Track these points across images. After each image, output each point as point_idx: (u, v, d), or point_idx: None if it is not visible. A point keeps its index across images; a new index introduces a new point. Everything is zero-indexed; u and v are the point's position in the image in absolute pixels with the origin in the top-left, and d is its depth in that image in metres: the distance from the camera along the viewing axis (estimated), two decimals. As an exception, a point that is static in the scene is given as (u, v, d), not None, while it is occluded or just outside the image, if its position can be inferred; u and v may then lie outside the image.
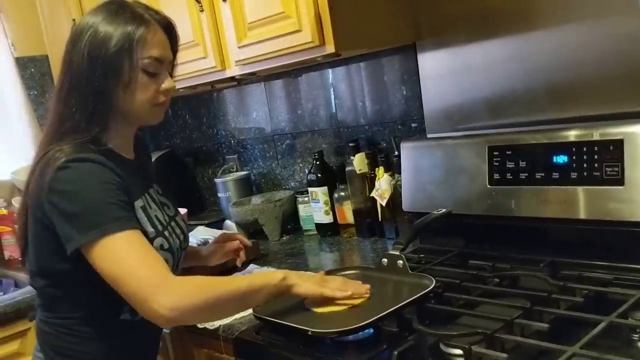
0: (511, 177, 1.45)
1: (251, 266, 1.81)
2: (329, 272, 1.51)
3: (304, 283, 1.22)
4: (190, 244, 1.75)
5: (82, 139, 1.17)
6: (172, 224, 1.32)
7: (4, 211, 2.54)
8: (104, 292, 1.15)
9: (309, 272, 1.33)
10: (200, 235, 2.10)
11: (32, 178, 1.20)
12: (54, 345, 1.26)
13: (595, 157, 1.32)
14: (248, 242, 1.64)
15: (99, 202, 1.12)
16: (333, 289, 1.24)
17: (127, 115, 1.24)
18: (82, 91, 1.18)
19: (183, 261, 1.39)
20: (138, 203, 1.22)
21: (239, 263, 1.62)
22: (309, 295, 1.24)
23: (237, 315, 1.44)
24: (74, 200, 1.12)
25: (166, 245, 1.24)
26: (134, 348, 1.29)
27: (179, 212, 1.41)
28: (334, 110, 2.14)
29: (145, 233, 1.18)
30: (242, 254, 1.61)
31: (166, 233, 1.26)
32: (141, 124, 1.32)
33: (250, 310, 1.35)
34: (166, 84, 1.24)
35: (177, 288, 1.10)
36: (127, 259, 1.10)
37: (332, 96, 2.13)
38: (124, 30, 1.17)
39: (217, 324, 1.44)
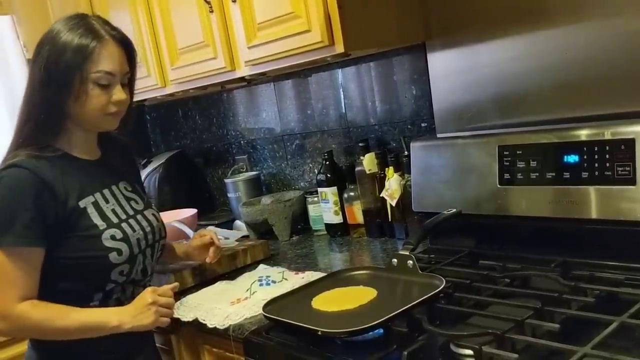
0: (522, 176, 1.44)
1: (260, 266, 1.81)
2: (336, 273, 1.51)
3: (136, 322, 1.29)
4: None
5: (36, 145, 1.29)
6: (138, 217, 1.42)
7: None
8: (67, 283, 1.31)
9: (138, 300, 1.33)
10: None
11: None
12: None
13: (607, 156, 1.31)
14: (217, 242, 1.64)
15: (4, 211, 1.23)
16: (156, 313, 1.30)
17: (80, 123, 1.34)
18: (37, 101, 1.30)
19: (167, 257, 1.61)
20: (89, 199, 1.33)
21: (208, 260, 1.62)
22: (142, 329, 1.32)
23: (248, 315, 1.45)
24: None
25: (119, 236, 1.34)
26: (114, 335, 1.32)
27: (150, 207, 1.49)
28: (343, 110, 2.14)
29: (94, 226, 1.31)
30: (211, 251, 1.63)
31: (124, 225, 1.36)
32: (96, 130, 1.40)
33: (260, 310, 1.35)
34: (116, 95, 1.32)
35: (12, 317, 1.24)
36: None
37: (342, 96, 2.13)
38: (77, 44, 1.27)
39: (227, 323, 1.44)
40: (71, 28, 1.29)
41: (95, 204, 1.34)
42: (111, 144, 1.47)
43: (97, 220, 1.32)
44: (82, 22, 1.31)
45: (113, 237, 1.32)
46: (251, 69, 1.78)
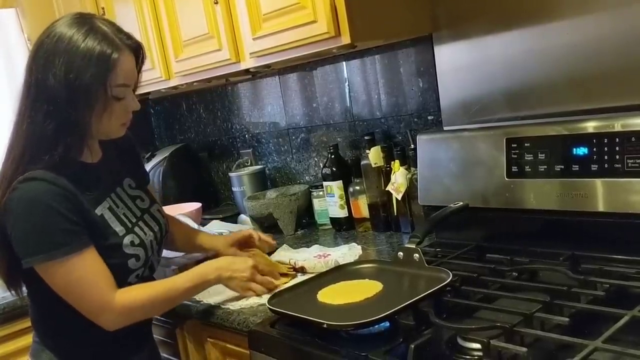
0: (529, 169, 1.43)
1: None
2: (342, 266, 1.50)
3: (232, 282, 1.45)
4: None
5: (53, 158, 1.22)
6: (145, 217, 1.41)
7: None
8: None
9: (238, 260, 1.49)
10: (215, 229, 2.11)
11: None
12: (41, 324, 1.38)
13: (616, 148, 1.29)
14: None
15: (45, 226, 1.20)
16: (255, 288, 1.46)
17: (96, 135, 1.32)
18: (60, 117, 1.22)
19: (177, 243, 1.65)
20: (104, 205, 1.31)
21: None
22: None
23: (255, 303, 1.45)
24: (22, 222, 1.21)
25: (137, 241, 1.33)
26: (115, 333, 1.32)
27: (154, 201, 1.47)
28: (349, 104, 2.12)
29: (114, 233, 1.30)
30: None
31: (136, 229, 1.35)
32: (106, 139, 1.37)
33: (265, 302, 1.35)
34: (133, 106, 1.30)
35: (117, 307, 1.26)
36: (71, 283, 1.24)
37: (347, 89, 2.11)
38: (98, 57, 1.20)
39: (233, 316, 1.43)
40: (86, 36, 1.21)
41: (110, 209, 1.33)
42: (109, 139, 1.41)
43: (115, 225, 1.31)
44: (96, 30, 1.22)
45: (132, 243, 1.32)
46: (256, 61, 1.77)
